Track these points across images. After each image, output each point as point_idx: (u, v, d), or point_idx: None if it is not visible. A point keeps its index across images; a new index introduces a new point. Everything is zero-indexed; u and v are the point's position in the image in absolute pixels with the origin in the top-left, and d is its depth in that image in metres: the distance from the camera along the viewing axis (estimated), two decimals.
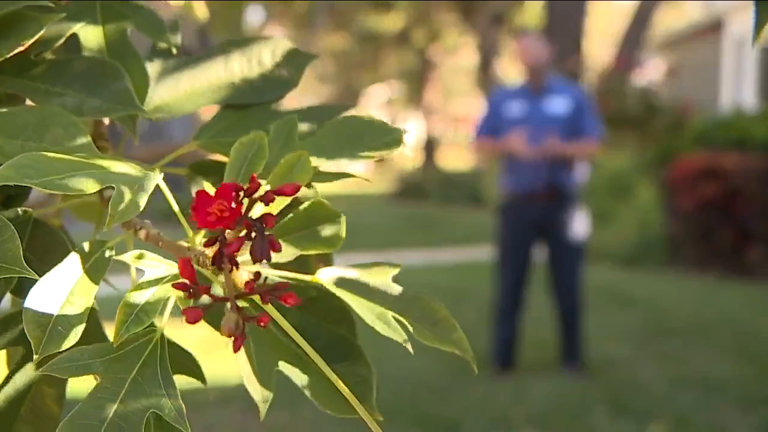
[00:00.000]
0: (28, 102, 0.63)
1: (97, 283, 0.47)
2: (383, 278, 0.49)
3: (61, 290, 0.46)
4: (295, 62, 0.62)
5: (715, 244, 6.84)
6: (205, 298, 0.43)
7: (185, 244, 0.48)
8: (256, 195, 0.44)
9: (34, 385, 0.60)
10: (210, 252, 0.45)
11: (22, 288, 0.60)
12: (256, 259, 0.43)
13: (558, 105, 4.15)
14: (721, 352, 4.57)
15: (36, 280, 0.45)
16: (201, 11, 1.35)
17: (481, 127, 4.28)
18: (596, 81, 9.43)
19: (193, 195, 0.44)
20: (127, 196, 0.42)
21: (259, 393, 0.46)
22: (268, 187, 0.45)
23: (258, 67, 0.62)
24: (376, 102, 22.07)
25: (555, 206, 4.16)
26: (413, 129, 22.04)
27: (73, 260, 0.47)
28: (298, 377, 0.48)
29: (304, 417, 3.44)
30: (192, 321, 0.42)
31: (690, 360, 4.43)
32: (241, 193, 0.43)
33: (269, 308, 0.46)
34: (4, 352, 0.62)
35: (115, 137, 0.67)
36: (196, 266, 0.45)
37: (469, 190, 13.25)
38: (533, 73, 4.15)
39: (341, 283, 0.47)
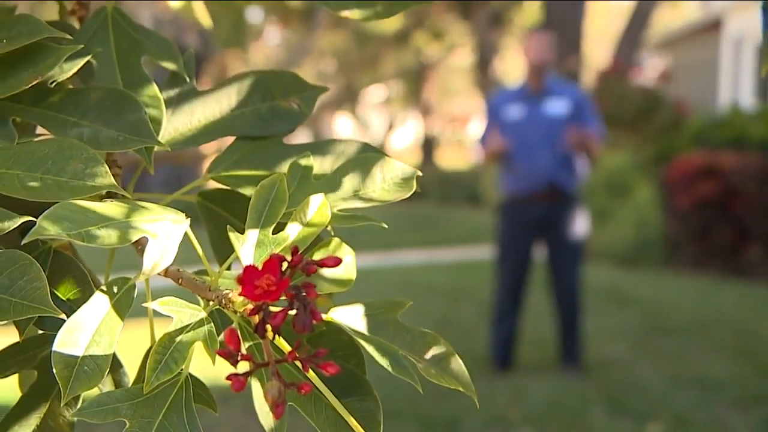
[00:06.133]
0: (40, 130, 0.64)
1: (121, 320, 0.48)
2: (391, 315, 0.50)
3: (87, 330, 0.47)
4: (305, 95, 0.63)
5: (713, 244, 6.86)
6: (245, 364, 0.45)
7: (206, 283, 0.49)
8: (299, 266, 0.45)
9: (48, 407, 0.61)
10: (238, 300, 0.46)
11: (40, 318, 0.61)
12: (300, 331, 0.44)
13: (558, 106, 4.15)
14: (719, 351, 4.58)
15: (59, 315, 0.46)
16: (204, 17, 1.35)
17: (483, 136, 4.29)
18: (595, 81, 9.43)
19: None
20: (158, 251, 0.43)
21: (271, 424, 0.47)
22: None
23: (269, 100, 0.63)
24: (374, 101, 22.06)
25: (555, 206, 4.16)
26: (412, 128, 22.03)
27: (99, 299, 0.48)
28: (310, 411, 0.49)
29: (305, 419, 3.45)
30: (238, 389, 0.43)
31: (688, 359, 4.44)
32: (285, 265, 0.44)
33: (280, 342, 0.47)
34: (16, 375, 0.64)
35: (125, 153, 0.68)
36: (219, 308, 0.46)
37: (467, 189, 13.26)
38: (536, 72, 4.13)
39: (351, 319, 0.49)
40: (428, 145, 18.38)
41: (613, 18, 17.42)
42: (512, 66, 19.13)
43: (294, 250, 0.45)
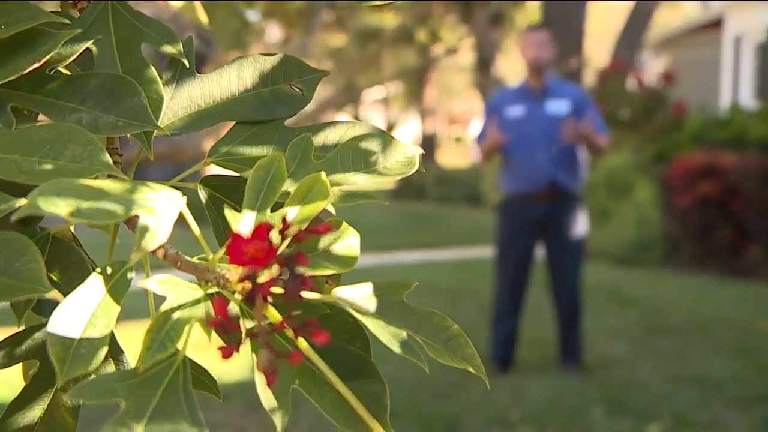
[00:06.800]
0: (41, 117, 0.64)
1: (118, 303, 0.48)
2: (397, 296, 0.49)
3: (83, 312, 0.46)
4: (306, 79, 0.63)
5: (713, 243, 6.86)
6: (237, 334, 0.44)
7: (204, 265, 0.48)
8: (288, 233, 0.44)
9: (51, 397, 0.61)
10: (235, 279, 0.46)
11: (40, 305, 0.60)
12: (288, 298, 0.43)
13: (559, 106, 4.14)
14: (718, 350, 4.58)
15: (57, 300, 0.46)
16: (202, 16, 1.35)
17: (481, 133, 4.28)
18: (595, 80, 9.42)
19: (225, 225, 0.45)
20: (153, 226, 0.43)
21: (278, 414, 0.47)
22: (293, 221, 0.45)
23: (270, 84, 0.62)
24: (374, 100, 22.06)
25: (556, 206, 4.16)
26: (412, 128, 22.04)
27: (95, 282, 0.47)
28: (315, 394, 0.49)
29: (304, 417, 3.44)
30: (227, 357, 0.43)
31: (688, 359, 4.44)
32: (274, 233, 0.44)
33: (273, 313, 0.46)
34: (20, 364, 0.63)
35: (126, 147, 0.68)
36: (217, 288, 0.46)
37: (468, 188, 13.26)
38: (535, 72, 4.13)
39: (356, 301, 0.48)
40: (428, 145, 18.39)
41: (615, 17, 17.41)
42: (513, 66, 19.13)
43: (283, 220, 0.45)
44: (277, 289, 0.44)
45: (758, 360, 4.35)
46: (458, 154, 20.69)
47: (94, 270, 0.51)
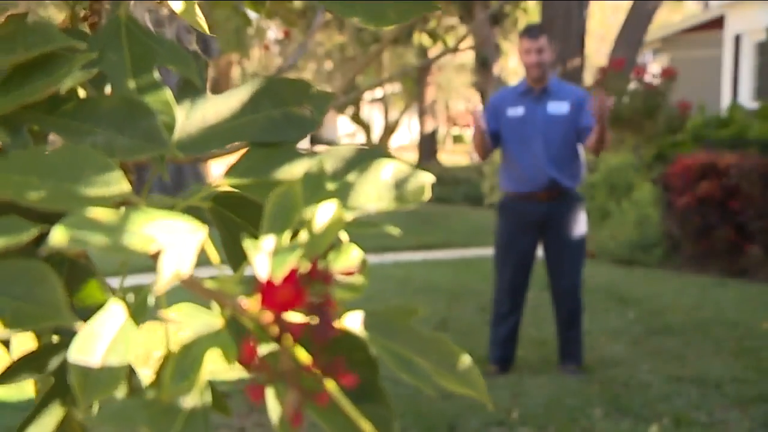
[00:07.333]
0: (53, 138, 0.64)
1: (138, 328, 0.48)
2: (404, 321, 0.50)
3: (103, 339, 0.47)
4: (316, 102, 0.63)
5: (713, 243, 6.87)
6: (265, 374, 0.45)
7: (221, 290, 0.49)
8: (317, 277, 0.45)
9: (63, 413, 0.62)
10: (254, 307, 0.47)
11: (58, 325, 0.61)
12: (317, 342, 0.44)
13: (559, 106, 4.14)
14: (719, 351, 4.59)
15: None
16: (203, 21, 1.35)
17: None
18: (595, 80, 9.42)
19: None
20: (176, 258, 0.43)
21: None
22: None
23: (282, 106, 0.63)
24: (374, 99, 22.05)
25: (556, 205, 4.16)
26: (412, 127, 22.04)
27: (115, 308, 0.48)
28: (324, 418, 0.50)
29: (305, 419, 3.45)
30: (256, 399, 0.44)
31: (688, 359, 4.45)
32: (304, 278, 0.45)
33: (297, 351, 0.47)
34: (32, 381, 0.64)
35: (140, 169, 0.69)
36: (234, 312, 0.47)
37: (468, 188, 13.26)
38: (535, 73, 4.13)
39: (365, 327, 0.49)
40: (428, 144, 18.39)
41: (615, 17, 17.41)
42: (513, 65, 19.11)
43: (314, 263, 0.46)
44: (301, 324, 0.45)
45: (758, 360, 4.36)
46: (459, 154, 20.70)
47: (110, 294, 0.52)
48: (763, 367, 4.25)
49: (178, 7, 0.67)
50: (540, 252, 4.28)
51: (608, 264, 7.50)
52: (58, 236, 0.43)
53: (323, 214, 0.48)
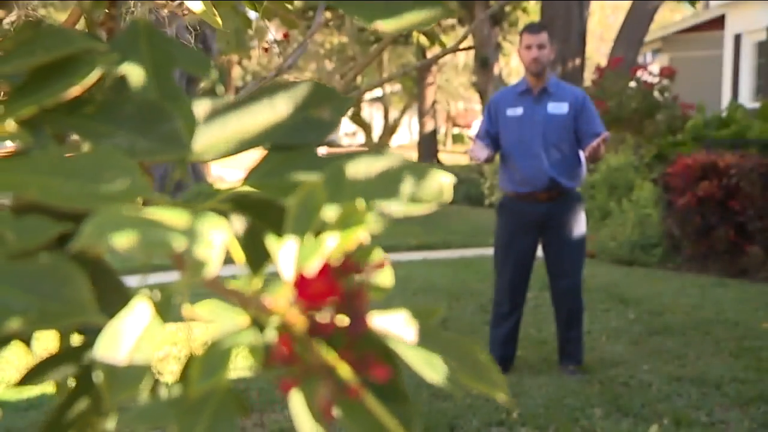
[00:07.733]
0: (74, 139, 0.65)
1: (163, 327, 0.49)
2: (429, 322, 0.51)
3: (129, 338, 0.48)
4: (334, 105, 0.64)
5: (713, 243, 6.88)
6: (297, 367, 0.46)
7: (245, 291, 0.50)
8: (350, 269, 0.46)
9: (85, 416, 0.62)
10: (281, 308, 0.47)
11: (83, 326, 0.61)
12: (351, 336, 0.45)
13: (558, 107, 4.15)
14: (719, 351, 4.60)
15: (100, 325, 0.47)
16: (218, 18, 1.36)
17: (479, 132, 4.30)
18: (595, 80, 9.43)
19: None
20: (208, 257, 0.44)
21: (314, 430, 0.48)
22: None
23: (301, 110, 0.64)
24: (374, 98, 22.04)
25: (555, 205, 4.17)
26: (412, 126, 22.02)
27: (141, 306, 0.49)
28: (350, 417, 0.50)
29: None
30: (287, 390, 0.45)
31: (688, 359, 4.46)
32: (337, 271, 0.46)
33: (323, 347, 0.48)
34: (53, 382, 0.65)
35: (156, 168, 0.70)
36: (257, 311, 0.47)
37: (468, 188, 13.27)
38: (535, 72, 4.15)
39: (387, 326, 0.50)
40: (428, 144, 18.40)
41: (616, 17, 17.40)
42: (513, 65, 19.11)
43: (346, 258, 0.46)
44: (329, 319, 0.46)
45: (758, 360, 4.37)
46: (459, 154, 20.70)
47: (130, 293, 0.53)
48: (763, 367, 4.26)
49: (197, 7, 0.68)
50: (540, 252, 4.29)
51: (608, 264, 7.51)
52: (88, 234, 0.43)
53: (347, 214, 0.49)
